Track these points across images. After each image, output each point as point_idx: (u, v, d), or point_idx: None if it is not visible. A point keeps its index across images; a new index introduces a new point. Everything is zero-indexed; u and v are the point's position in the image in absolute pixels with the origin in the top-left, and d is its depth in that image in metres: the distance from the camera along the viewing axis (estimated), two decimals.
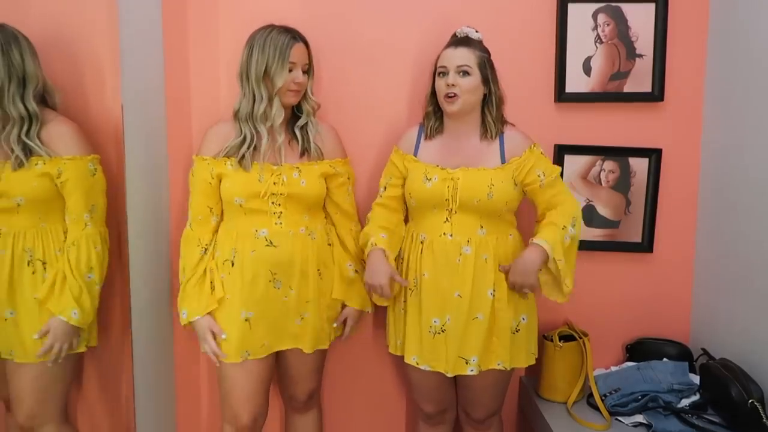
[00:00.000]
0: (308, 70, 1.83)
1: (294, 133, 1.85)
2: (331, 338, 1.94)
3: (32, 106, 1.75)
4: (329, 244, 1.92)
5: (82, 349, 1.86)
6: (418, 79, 2.02)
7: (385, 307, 1.96)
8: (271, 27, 1.79)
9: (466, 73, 1.74)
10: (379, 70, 2.07)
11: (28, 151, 1.75)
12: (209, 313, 1.79)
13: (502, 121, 1.82)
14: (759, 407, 1.63)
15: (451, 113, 1.78)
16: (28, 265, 1.79)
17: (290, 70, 1.76)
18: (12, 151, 1.73)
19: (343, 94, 2.08)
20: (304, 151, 1.84)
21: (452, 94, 1.74)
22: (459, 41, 1.77)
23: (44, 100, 1.85)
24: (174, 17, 1.99)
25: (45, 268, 1.80)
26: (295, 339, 1.85)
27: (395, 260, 1.87)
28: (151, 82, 1.93)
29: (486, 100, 1.79)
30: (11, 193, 1.76)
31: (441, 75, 1.77)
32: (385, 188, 1.90)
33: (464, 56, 1.74)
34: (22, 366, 1.79)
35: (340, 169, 1.91)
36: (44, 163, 1.76)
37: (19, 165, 1.74)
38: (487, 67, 1.76)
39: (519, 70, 2.04)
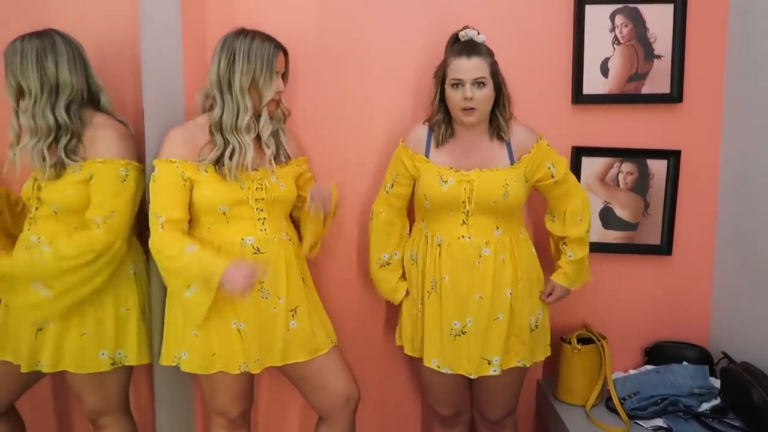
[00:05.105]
0: (284, 78, 1.80)
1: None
2: (334, 340, 1.89)
3: (62, 116, 1.73)
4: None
5: (134, 362, 1.84)
6: (423, 79, 2.01)
7: (396, 308, 1.97)
8: (249, 34, 1.73)
9: (482, 84, 1.72)
10: (387, 69, 2.08)
11: (61, 164, 1.73)
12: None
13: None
14: None
15: (470, 125, 1.77)
16: None
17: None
18: (44, 161, 1.72)
19: (347, 95, 2.09)
20: (274, 156, 1.81)
21: (470, 108, 1.73)
22: (469, 49, 1.73)
23: (95, 102, 1.85)
24: (193, 22, 2.02)
25: None
26: (284, 354, 1.78)
27: (407, 260, 1.91)
28: (170, 87, 1.94)
29: (496, 103, 1.78)
30: (48, 200, 1.77)
31: (455, 87, 1.74)
32: (392, 185, 1.89)
33: (479, 67, 1.71)
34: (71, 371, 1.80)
35: (305, 166, 1.93)
36: (80, 170, 1.74)
37: (56, 176, 1.74)
38: (497, 73, 1.75)
39: (536, 72, 2.04)
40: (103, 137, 1.77)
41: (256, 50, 1.71)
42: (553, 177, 1.80)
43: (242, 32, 1.74)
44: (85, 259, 1.71)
